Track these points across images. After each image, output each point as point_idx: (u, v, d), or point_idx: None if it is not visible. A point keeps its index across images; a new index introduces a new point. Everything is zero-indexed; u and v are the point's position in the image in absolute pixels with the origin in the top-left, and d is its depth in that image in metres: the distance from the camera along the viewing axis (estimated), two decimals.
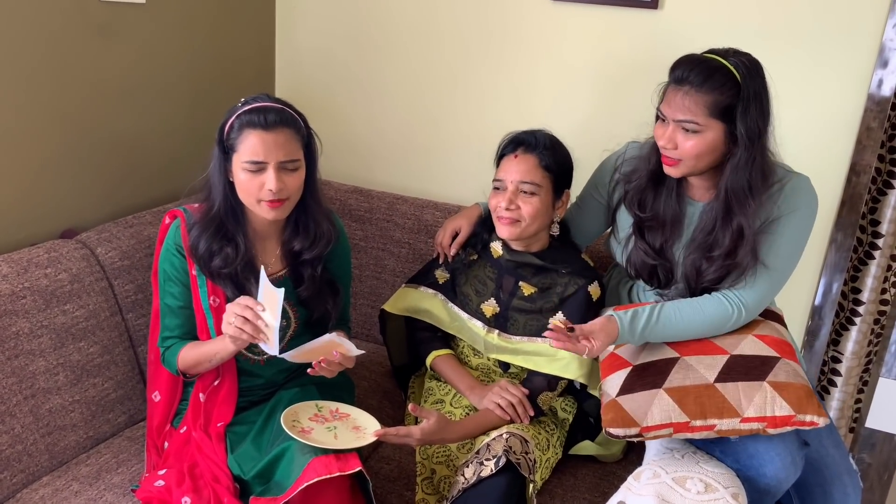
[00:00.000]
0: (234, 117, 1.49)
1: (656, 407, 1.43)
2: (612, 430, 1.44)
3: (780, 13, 1.92)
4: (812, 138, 1.96)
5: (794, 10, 1.91)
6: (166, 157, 2.10)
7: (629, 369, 1.51)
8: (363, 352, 1.51)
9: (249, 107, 1.49)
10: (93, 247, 1.76)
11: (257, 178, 1.47)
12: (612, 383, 1.51)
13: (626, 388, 1.48)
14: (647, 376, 1.48)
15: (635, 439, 1.45)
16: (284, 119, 1.49)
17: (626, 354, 1.55)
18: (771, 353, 1.49)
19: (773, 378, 1.44)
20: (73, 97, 1.80)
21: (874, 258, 2.05)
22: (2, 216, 1.71)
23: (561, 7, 2.10)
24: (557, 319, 1.68)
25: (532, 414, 1.63)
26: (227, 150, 1.51)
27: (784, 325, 1.65)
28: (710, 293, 1.57)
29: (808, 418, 1.41)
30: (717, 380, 1.45)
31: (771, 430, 1.42)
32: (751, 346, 1.51)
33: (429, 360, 1.80)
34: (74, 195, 1.86)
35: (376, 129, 2.41)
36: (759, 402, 1.42)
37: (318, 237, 1.60)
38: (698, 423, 1.43)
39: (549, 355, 1.67)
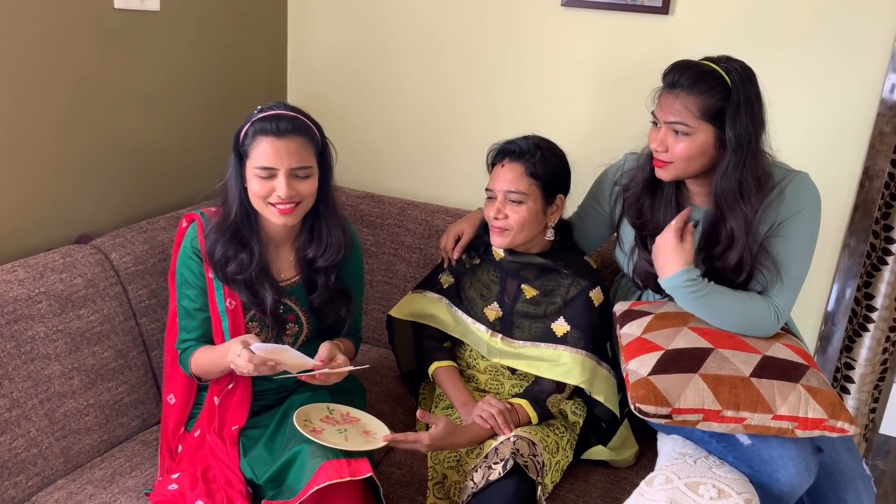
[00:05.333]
0: (248, 124, 1.51)
1: (691, 391, 1.43)
2: (643, 407, 1.43)
3: (792, 18, 1.92)
4: (824, 143, 1.96)
5: (806, 15, 1.90)
6: (180, 163, 2.11)
7: (661, 352, 1.50)
8: (367, 366, 1.56)
9: (264, 114, 1.50)
10: (107, 252, 1.78)
11: (268, 184, 1.48)
12: (643, 363, 1.49)
13: (660, 369, 1.47)
14: (681, 360, 1.47)
15: (663, 420, 1.44)
16: (297, 127, 1.50)
17: (658, 339, 1.53)
18: (800, 360, 1.50)
19: (806, 382, 1.45)
20: (87, 104, 1.82)
21: (888, 264, 2.04)
22: (18, 221, 1.73)
23: (571, 13, 2.11)
24: (560, 324, 1.70)
25: (512, 428, 1.61)
26: (241, 157, 1.53)
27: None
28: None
29: (839, 424, 1.41)
30: (753, 374, 1.45)
31: (799, 432, 1.42)
32: (782, 351, 1.51)
33: (430, 370, 1.81)
34: (89, 201, 1.88)
35: (387, 135, 2.43)
36: (794, 402, 1.42)
37: (331, 245, 1.61)
38: (730, 413, 1.42)
39: (552, 360, 1.67)
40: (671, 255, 1.50)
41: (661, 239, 1.52)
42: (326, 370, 1.48)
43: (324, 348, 1.54)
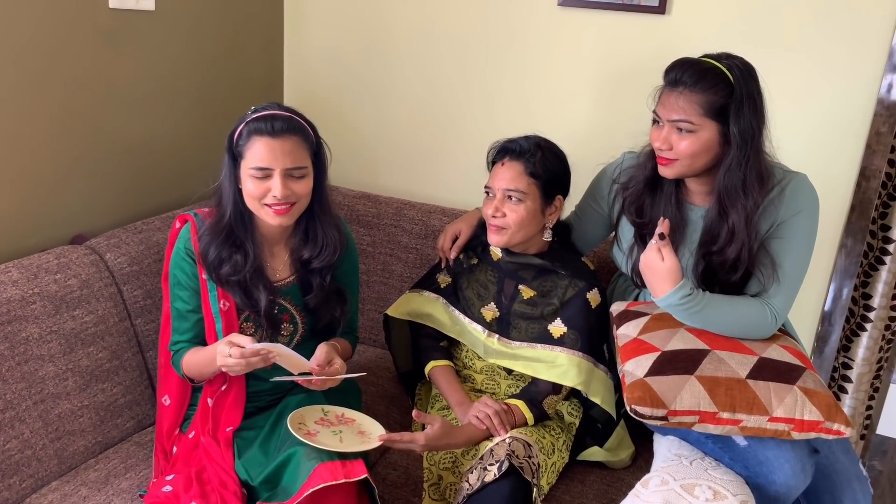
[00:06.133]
0: (242, 125, 1.51)
1: (687, 392, 1.42)
2: (639, 409, 1.42)
3: (789, 18, 1.91)
4: (821, 143, 1.95)
5: (803, 15, 1.90)
6: (175, 163, 2.11)
7: (657, 354, 1.50)
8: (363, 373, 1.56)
9: (258, 114, 1.50)
10: (102, 252, 1.78)
11: (263, 184, 1.48)
12: (639, 364, 1.49)
13: (656, 371, 1.47)
14: (677, 362, 1.47)
15: (658, 422, 1.44)
16: (292, 127, 1.49)
17: (654, 341, 1.53)
18: (796, 362, 1.49)
19: (803, 384, 1.44)
20: (82, 104, 1.81)
21: (885, 263, 2.04)
22: (12, 222, 1.72)
23: (568, 12, 2.11)
24: (557, 325, 1.70)
25: (508, 428, 1.61)
26: (235, 157, 1.52)
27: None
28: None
29: (835, 426, 1.41)
30: (749, 376, 1.44)
31: (796, 434, 1.42)
32: (778, 352, 1.51)
33: (427, 369, 1.81)
34: (84, 201, 1.88)
35: (384, 135, 2.42)
36: (790, 404, 1.41)
37: (325, 246, 1.60)
38: (726, 415, 1.42)
39: (548, 362, 1.67)
40: (659, 276, 1.50)
41: (644, 259, 1.52)
42: (322, 378, 1.47)
43: (321, 350, 1.53)
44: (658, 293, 1.52)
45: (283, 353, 1.45)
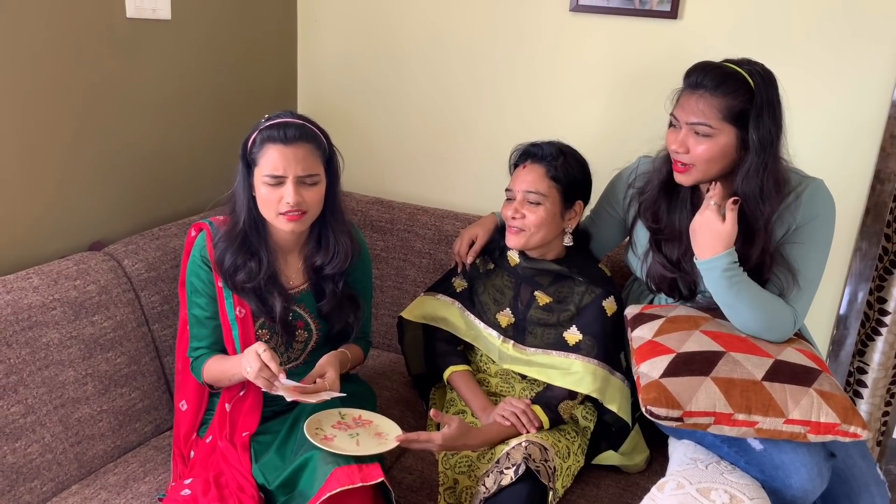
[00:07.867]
0: (256, 132, 1.53)
1: (702, 393, 1.42)
2: (654, 410, 1.42)
3: (801, 22, 1.91)
4: (835, 146, 1.95)
5: (815, 19, 1.90)
6: (191, 170, 2.13)
7: (672, 355, 1.50)
8: (343, 394, 1.55)
9: (271, 122, 1.52)
10: (120, 259, 1.80)
11: (276, 191, 1.50)
12: (654, 366, 1.49)
13: (671, 372, 1.46)
14: (693, 364, 1.47)
15: (674, 423, 1.44)
16: (305, 134, 1.51)
17: (669, 342, 1.53)
18: (812, 365, 1.49)
19: (819, 387, 1.44)
20: (99, 112, 1.84)
21: None
22: (32, 229, 1.74)
23: (579, 17, 2.11)
24: (573, 333, 1.70)
25: (536, 426, 1.63)
26: (249, 165, 1.54)
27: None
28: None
29: (851, 429, 1.41)
30: (765, 378, 1.44)
31: (812, 437, 1.42)
32: (793, 355, 1.51)
33: (446, 375, 1.81)
34: (102, 208, 1.90)
35: (397, 141, 2.43)
36: (806, 406, 1.41)
37: (338, 252, 1.62)
38: (741, 416, 1.41)
39: (563, 368, 1.67)
40: (714, 235, 1.48)
41: (701, 218, 1.50)
42: (300, 397, 1.47)
43: (318, 364, 1.56)
44: (706, 253, 1.49)
45: (283, 385, 1.46)
